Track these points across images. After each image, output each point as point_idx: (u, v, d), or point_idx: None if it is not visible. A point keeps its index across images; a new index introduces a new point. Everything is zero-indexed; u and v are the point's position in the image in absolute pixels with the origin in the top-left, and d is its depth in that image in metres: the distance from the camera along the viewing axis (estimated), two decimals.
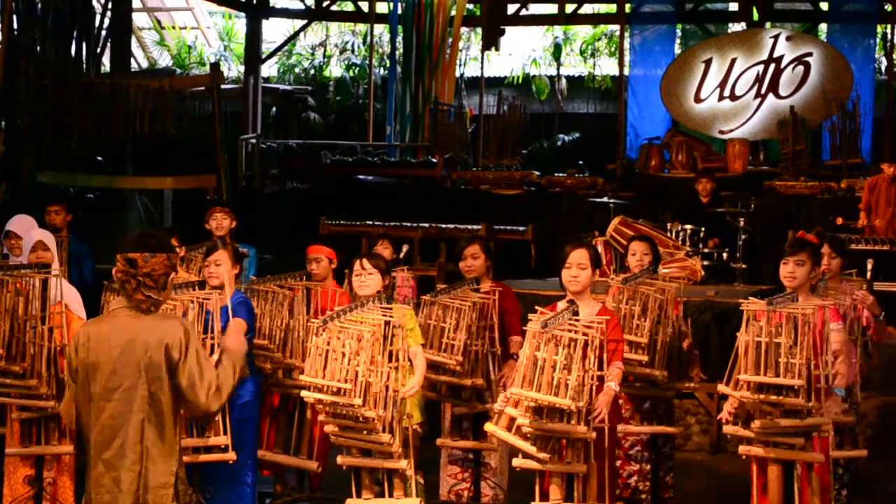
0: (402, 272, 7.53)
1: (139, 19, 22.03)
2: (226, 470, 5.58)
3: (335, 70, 22.70)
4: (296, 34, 21.08)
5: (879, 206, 10.81)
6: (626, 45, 16.98)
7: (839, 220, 10.96)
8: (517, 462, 4.93)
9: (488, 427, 5.08)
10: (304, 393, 5.16)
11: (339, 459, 5.33)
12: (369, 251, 6.94)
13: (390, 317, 5.27)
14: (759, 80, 15.47)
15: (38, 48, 13.55)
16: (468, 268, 6.31)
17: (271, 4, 19.06)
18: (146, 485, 3.87)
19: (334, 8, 20.12)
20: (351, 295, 6.09)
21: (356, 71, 22.15)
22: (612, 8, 18.03)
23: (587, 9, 18.77)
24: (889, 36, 16.75)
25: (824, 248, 6.53)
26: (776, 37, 15.69)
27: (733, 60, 15.64)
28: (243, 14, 19.62)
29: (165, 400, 3.89)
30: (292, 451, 6.23)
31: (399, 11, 17.24)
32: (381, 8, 18.34)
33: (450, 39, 17.25)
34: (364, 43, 21.86)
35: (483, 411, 6.05)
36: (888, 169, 10.92)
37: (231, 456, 5.43)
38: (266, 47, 19.83)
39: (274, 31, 21.47)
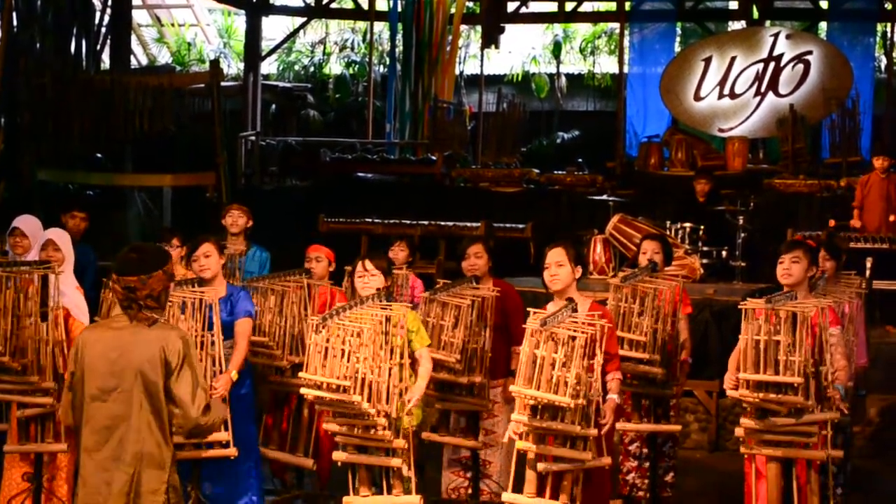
0: (410, 273, 7.48)
1: (139, 16, 22.03)
2: (231, 466, 5.58)
3: (335, 67, 22.70)
4: (295, 31, 21.06)
5: (872, 201, 10.76)
6: (626, 43, 16.96)
7: (832, 223, 10.91)
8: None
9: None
10: (303, 390, 5.15)
11: (335, 456, 5.32)
12: (385, 252, 6.96)
13: (389, 314, 5.26)
14: (758, 78, 15.46)
15: (38, 45, 13.55)
16: (471, 267, 6.31)
17: (271, 2, 19.02)
18: (138, 489, 3.87)
19: (334, 5, 20.12)
20: (351, 294, 6.09)
21: (356, 68, 22.15)
22: (612, 6, 18.03)
23: (587, 7, 18.79)
24: (889, 34, 16.75)
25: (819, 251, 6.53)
26: (776, 35, 15.68)
27: (733, 58, 15.63)
28: (243, 11, 19.60)
29: (161, 406, 3.90)
30: (289, 448, 6.24)
31: (399, 9, 17.23)
32: (381, 5, 18.33)
33: (449, 37, 17.24)
34: (364, 40, 21.84)
35: (482, 409, 6.05)
36: (879, 162, 10.87)
37: (232, 452, 5.43)
38: (266, 45, 19.82)
39: (273, 28, 21.46)
